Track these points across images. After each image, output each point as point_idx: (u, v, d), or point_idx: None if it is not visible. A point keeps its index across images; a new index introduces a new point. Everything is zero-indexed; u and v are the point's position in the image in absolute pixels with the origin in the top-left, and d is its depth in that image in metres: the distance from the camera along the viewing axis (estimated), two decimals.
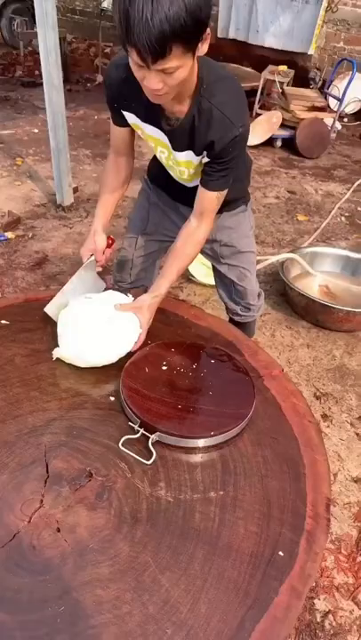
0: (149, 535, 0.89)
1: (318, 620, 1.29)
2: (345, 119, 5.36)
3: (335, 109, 4.69)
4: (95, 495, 0.95)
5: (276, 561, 0.88)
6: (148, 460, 1.01)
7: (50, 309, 1.33)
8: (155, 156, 1.47)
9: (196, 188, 1.30)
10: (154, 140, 1.29)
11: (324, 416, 1.87)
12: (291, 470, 1.04)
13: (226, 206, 1.46)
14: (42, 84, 2.98)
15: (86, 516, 0.91)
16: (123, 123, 1.31)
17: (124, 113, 1.27)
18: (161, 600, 0.80)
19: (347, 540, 1.47)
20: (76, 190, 3.45)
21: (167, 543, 0.88)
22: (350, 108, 5.29)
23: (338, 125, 5.00)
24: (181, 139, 1.22)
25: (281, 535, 0.92)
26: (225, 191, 1.28)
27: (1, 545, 0.85)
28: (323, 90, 5.11)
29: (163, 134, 1.24)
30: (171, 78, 0.96)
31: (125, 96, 1.21)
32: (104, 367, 1.22)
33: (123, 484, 0.97)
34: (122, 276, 1.70)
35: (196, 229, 1.31)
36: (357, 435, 1.84)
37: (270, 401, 1.20)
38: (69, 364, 1.22)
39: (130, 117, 1.27)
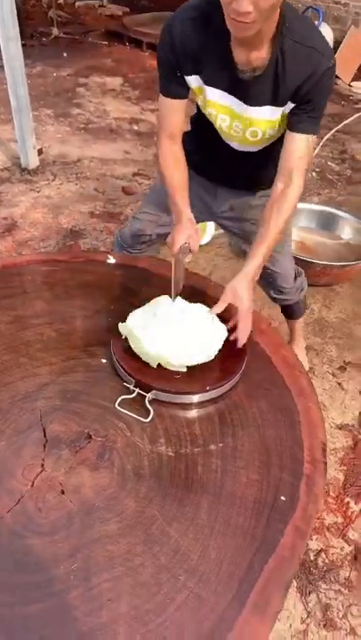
0: (154, 490, 0.90)
1: (312, 558, 1.36)
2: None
3: None
4: (96, 456, 0.94)
5: (279, 505, 0.90)
6: (145, 418, 1.01)
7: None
8: (191, 133, 1.39)
9: (254, 157, 1.24)
10: (215, 107, 1.20)
11: (308, 370, 1.91)
12: (286, 419, 1.06)
13: (262, 185, 1.40)
14: None
15: (89, 476, 0.91)
16: (181, 93, 1.19)
17: (187, 78, 1.16)
18: (171, 550, 0.81)
19: (334, 484, 1.53)
20: (40, 152, 3.29)
21: (172, 496, 0.89)
22: None
23: None
24: (260, 92, 1.12)
25: (281, 481, 0.94)
26: (315, 137, 1.16)
27: (6, 510, 0.84)
28: None
29: (230, 97, 1.15)
30: (262, 2, 0.90)
31: (191, 55, 1.11)
32: (94, 331, 1.19)
33: (123, 443, 0.97)
34: (134, 245, 1.60)
35: (283, 193, 1.17)
36: (339, 384, 1.89)
37: (261, 354, 1.21)
38: (56, 330, 1.19)
39: (193, 81, 1.17)
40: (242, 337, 1.11)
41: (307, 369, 1.88)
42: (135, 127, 3.94)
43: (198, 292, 1.32)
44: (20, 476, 0.89)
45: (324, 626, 1.24)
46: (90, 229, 2.66)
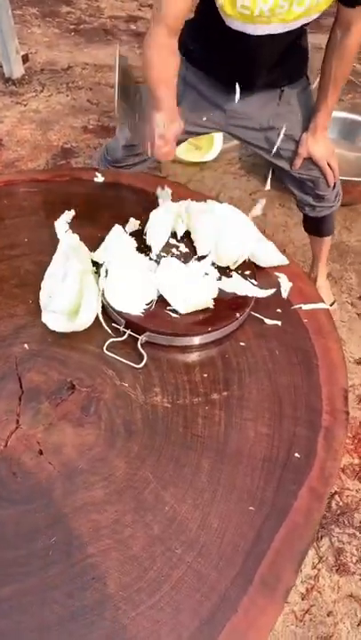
0: (147, 448, 0.78)
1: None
2: None
3: None
4: (80, 409, 0.82)
5: (293, 463, 0.78)
6: (138, 364, 0.87)
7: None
8: (196, 25, 1.16)
9: (276, 43, 1.08)
10: None
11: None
12: (302, 362, 0.92)
13: (287, 79, 1.24)
14: None
15: (72, 433, 0.79)
16: None
17: None
18: (166, 519, 0.70)
19: (352, 423, 1.42)
20: (26, 59, 2.93)
21: (168, 455, 0.77)
22: None
23: None
24: None
25: (296, 435, 0.81)
26: None
27: None
28: None
29: None
30: None
31: None
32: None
33: (112, 394, 0.84)
34: (124, 159, 1.40)
35: (342, 43, 1.12)
36: (359, 315, 1.73)
37: (274, 286, 1.04)
38: (35, 262, 1.03)
39: None
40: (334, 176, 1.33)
41: (330, 303, 1.70)
42: (133, 27, 3.48)
43: None
44: None
45: (337, 570, 1.17)
46: (83, 146, 2.40)
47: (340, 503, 1.28)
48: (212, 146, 2.25)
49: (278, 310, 1.00)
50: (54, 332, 0.91)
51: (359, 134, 2.27)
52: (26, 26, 3.32)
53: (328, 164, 1.33)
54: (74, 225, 1.07)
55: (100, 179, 1.26)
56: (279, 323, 0.97)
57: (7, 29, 2.69)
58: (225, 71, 1.21)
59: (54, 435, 0.78)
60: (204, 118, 1.29)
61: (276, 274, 1.06)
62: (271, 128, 1.29)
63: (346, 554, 1.20)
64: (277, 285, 1.03)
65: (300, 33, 1.13)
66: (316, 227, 1.57)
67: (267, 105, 1.27)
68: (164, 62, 1.06)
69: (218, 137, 2.21)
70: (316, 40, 3.03)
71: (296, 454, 0.79)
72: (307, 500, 0.74)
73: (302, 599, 1.13)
